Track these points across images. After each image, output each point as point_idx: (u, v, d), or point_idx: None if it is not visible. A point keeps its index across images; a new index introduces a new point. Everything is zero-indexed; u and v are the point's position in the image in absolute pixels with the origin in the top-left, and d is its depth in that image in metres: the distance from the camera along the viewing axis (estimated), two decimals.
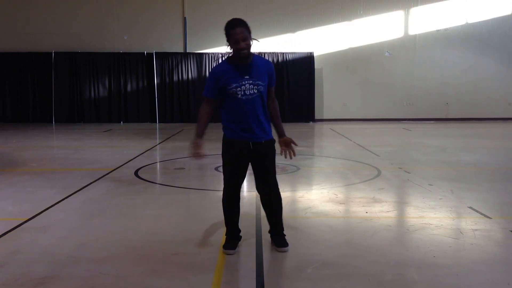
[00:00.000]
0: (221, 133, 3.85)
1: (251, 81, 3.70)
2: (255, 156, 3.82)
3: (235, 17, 3.79)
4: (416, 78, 18.15)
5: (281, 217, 4.02)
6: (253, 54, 3.75)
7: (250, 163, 3.90)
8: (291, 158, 3.93)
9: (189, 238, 4.23)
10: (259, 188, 3.95)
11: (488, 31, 18.01)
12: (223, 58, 17.11)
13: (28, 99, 17.82)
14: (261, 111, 3.77)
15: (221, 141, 3.86)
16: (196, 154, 3.76)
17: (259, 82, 3.73)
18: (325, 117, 18.20)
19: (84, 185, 6.43)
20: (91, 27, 17.88)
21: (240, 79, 3.68)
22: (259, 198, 4.10)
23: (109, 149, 10.58)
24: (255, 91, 3.71)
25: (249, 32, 3.67)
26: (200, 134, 3.80)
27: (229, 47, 3.69)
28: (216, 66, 3.87)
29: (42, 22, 17.77)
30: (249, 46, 3.64)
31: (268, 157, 3.86)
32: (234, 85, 3.68)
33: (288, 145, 3.89)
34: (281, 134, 3.95)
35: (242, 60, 3.69)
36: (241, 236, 4.03)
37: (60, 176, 7.19)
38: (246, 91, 3.69)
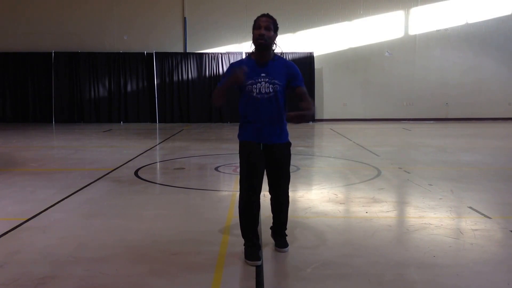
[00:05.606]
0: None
1: (267, 79, 3.62)
2: (267, 159, 3.72)
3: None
4: (416, 78, 18.16)
5: (286, 220, 3.99)
6: (275, 53, 3.72)
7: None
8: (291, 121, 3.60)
9: (189, 238, 4.23)
10: (271, 191, 3.89)
11: (488, 31, 18.02)
12: (224, 58, 17.31)
13: (28, 99, 17.84)
14: (275, 113, 3.64)
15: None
16: (238, 75, 3.47)
17: (276, 81, 3.63)
18: (325, 117, 18.21)
19: (84, 185, 6.43)
20: (91, 27, 17.90)
21: (256, 75, 3.61)
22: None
23: (109, 149, 10.57)
24: (271, 90, 3.62)
25: (275, 28, 3.64)
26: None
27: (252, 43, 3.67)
28: (237, 60, 3.81)
29: (42, 22, 17.79)
30: (269, 37, 3.58)
31: (280, 161, 3.76)
32: (250, 81, 3.60)
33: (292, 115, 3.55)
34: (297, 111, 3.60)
35: (261, 53, 3.64)
36: (260, 245, 3.82)
37: (60, 176, 7.18)
38: (261, 89, 3.61)
